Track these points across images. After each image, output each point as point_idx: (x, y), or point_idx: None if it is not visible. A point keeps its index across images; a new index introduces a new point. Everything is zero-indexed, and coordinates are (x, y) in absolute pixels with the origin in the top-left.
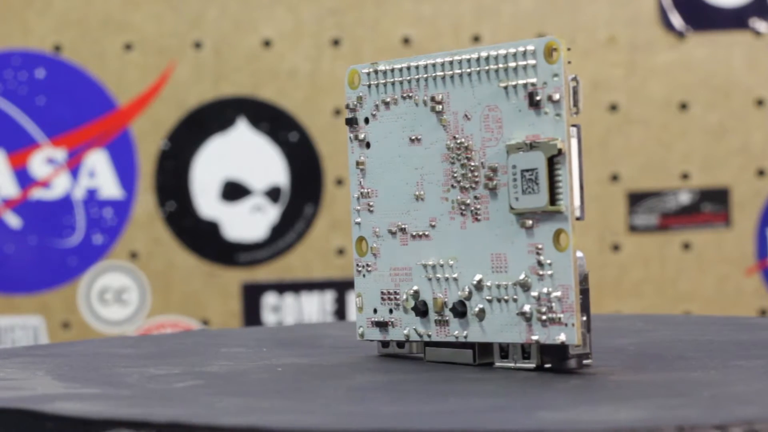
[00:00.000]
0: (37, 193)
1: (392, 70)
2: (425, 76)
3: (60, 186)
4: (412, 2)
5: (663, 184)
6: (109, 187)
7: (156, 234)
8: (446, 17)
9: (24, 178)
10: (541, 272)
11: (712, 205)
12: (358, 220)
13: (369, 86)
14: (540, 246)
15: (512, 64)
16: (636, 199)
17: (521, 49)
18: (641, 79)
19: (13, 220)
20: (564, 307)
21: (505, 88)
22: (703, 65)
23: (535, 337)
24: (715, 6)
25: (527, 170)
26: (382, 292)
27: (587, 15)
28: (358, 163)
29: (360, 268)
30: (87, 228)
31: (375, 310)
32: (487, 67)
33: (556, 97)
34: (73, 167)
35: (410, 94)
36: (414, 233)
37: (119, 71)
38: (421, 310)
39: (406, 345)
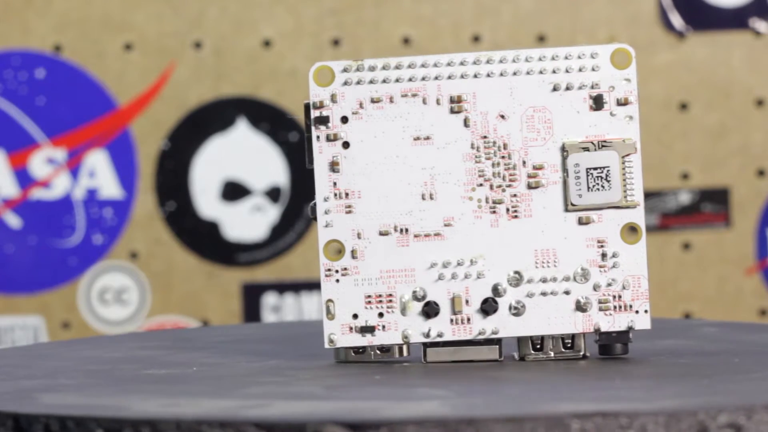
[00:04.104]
0: (37, 193)
1: (387, 68)
2: (445, 74)
3: (60, 186)
4: (412, 2)
5: (663, 184)
6: (109, 187)
7: (156, 234)
8: (446, 17)
9: (24, 178)
10: (604, 264)
11: (712, 205)
12: (330, 222)
13: (352, 84)
14: (604, 239)
15: (570, 67)
16: None
17: (580, 53)
18: (641, 79)
19: (13, 220)
20: (635, 295)
21: (558, 90)
22: (703, 65)
23: (599, 326)
24: (715, 6)
25: (595, 168)
26: (368, 296)
27: (587, 15)
28: (332, 164)
29: (330, 273)
30: (87, 228)
31: (355, 316)
32: (535, 68)
33: (631, 99)
34: (73, 167)
35: (416, 93)
36: (420, 233)
37: (119, 71)
38: (435, 310)
39: (392, 349)
